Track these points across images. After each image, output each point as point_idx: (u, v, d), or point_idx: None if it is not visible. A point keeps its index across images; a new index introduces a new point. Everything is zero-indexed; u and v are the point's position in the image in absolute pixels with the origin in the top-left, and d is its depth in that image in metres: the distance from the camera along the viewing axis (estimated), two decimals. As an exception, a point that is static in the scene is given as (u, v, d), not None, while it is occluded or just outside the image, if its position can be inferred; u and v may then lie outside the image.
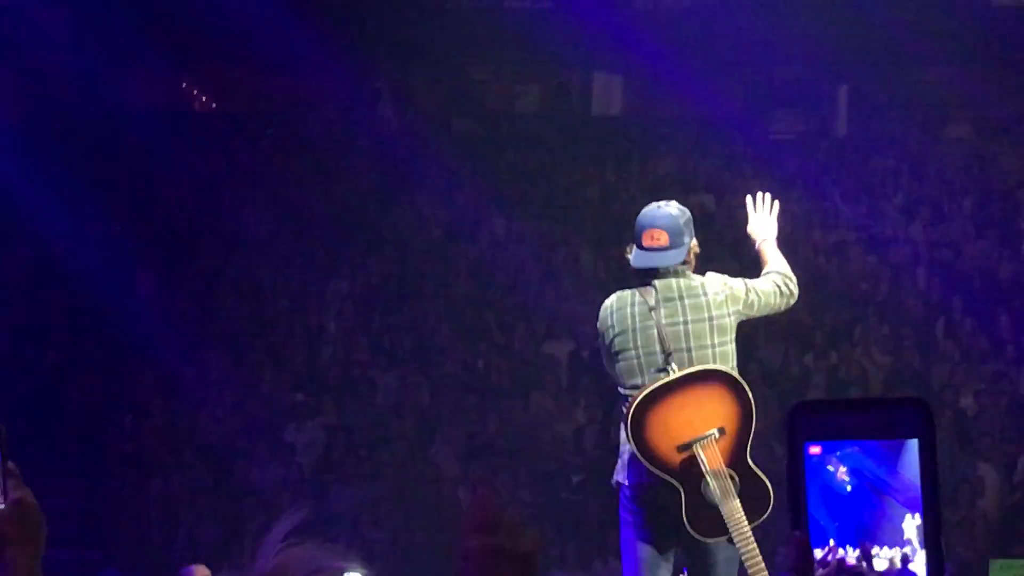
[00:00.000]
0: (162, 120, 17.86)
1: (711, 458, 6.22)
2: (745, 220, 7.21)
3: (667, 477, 6.30)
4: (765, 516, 6.12)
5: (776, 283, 6.72)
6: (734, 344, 6.64)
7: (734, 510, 6.10)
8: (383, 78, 18.45)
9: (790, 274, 6.79)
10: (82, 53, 17.37)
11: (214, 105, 19.25)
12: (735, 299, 6.61)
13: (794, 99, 17.90)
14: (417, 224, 16.55)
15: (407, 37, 17.53)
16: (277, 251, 16.41)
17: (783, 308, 6.81)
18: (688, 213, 6.71)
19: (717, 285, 6.61)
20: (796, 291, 6.79)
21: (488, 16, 17.76)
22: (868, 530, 1.81)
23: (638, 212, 6.71)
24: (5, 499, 2.66)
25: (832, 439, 1.85)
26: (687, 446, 6.28)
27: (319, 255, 16.20)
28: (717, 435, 6.26)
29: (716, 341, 6.57)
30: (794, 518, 1.86)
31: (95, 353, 15.18)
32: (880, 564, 1.81)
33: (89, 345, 15.27)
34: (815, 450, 1.85)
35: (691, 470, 6.22)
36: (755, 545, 6.07)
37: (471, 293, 15.59)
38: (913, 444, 1.81)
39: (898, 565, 1.83)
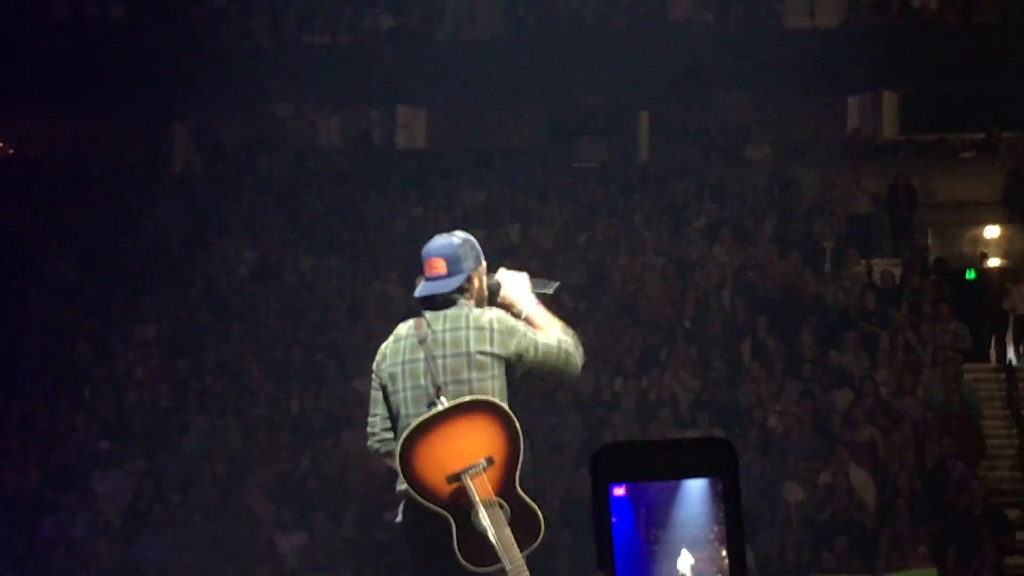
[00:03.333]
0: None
1: (480, 487, 6.12)
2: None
3: (438, 509, 6.30)
4: (537, 543, 5.99)
5: (559, 339, 6.52)
6: (500, 380, 6.42)
7: (504, 538, 6.01)
8: (184, 119, 18.30)
9: (570, 340, 6.56)
10: None
11: (11, 151, 18.90)
12: (503, 341, 6.41)
13: (597, 127, 18.08)
14: (223, 265, 16.41)
15: (207, 76, 17.39)
16: (81, 296, 16.16)
17: (563, 370, 6.46)
18: (472, 241, 6.51)
19: (485, 320, 6.44)
20: (576, 359, 6.49)
21: (288, 53, 17.70)
22: (650, 567, 1.84)
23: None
24: None
25: (635, 480, 1.86)
26: (456, 477, 6.31)
27: (124, 299, 15.98)
28: (485, 464, 6.15)
29: (474, 376, 6.43)
30: (600, 558, 1.87)
31: None
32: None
33: None
34: (619, 491, 1.86)
35: (460, 500, 6.12)
36: (527, 572, 6.09)
37: (280, 333, 15.48)
38: (697, 484, 1.85)
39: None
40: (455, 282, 6.37)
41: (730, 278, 15.77)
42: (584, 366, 6.50)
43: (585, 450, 13.55)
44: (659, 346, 14.94)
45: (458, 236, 6.47)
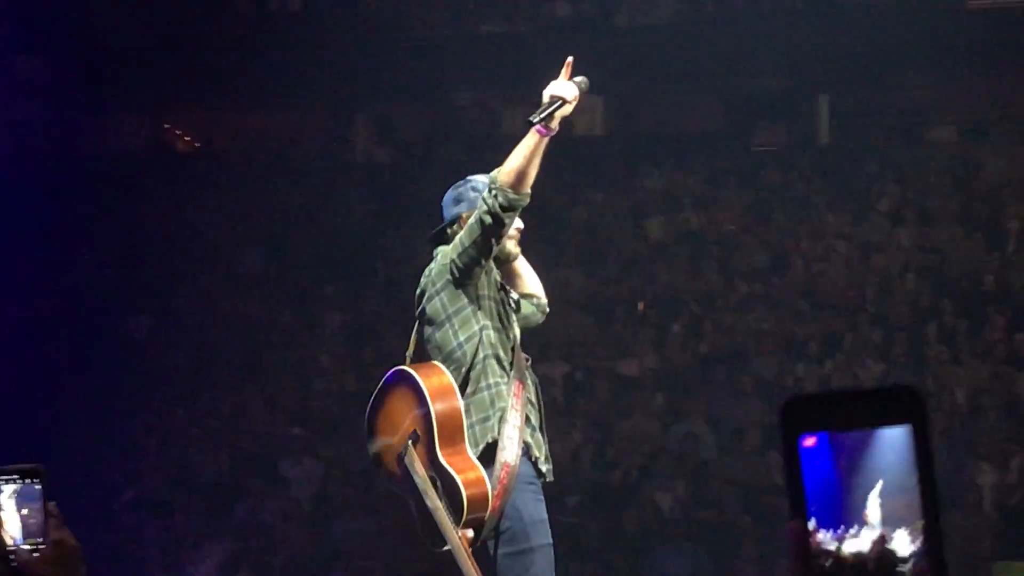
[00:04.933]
0: (146, 161, 17.95)
1: (416, 465, 6.05)
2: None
3: (403, 494, 6.19)
4: (466, 514, 5.87)
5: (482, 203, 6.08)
6: (443, 329, 6.17)
7: (437, 510, 5.93)
8: (365, 110, 18.48)
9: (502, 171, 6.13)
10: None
11: (196, 145, 19.26)
12: (436, 278, 6.22)
13: (775, 110, 17.91)
14: (405, 254, 16.54)
15: (387, 67, 17.55)
16: (268, 287, 16.42)
17: (491, 218, 6.00)
18: (474, 182, 6.34)
19: (434, 264, 6.25)
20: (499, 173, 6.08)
21: (467, 42, 17.80)
22: (844, 515, 1.84)
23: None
24: (45, 540, 2.64)
25: (826, 430, 1.87)
26: (400, 457, 6.15)
27: (310, 289, 16.21)
28: (413, 440, 6.07)
29: (425, 332, 6.26)
30: (792, 509, 1.88)
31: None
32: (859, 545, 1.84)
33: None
34: (810, 442, 1.86)
35: (410, 480, 6.08)
36: (459, 544, 5.90)
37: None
38: (890, 432, 1.84)
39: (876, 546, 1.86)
40: (438, 231, 6.30)
41: (914, 261, 15.56)
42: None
43: (767, 436, 13.48)
44: (842, 331, 14.79)
45: (463, 181, 6.40)
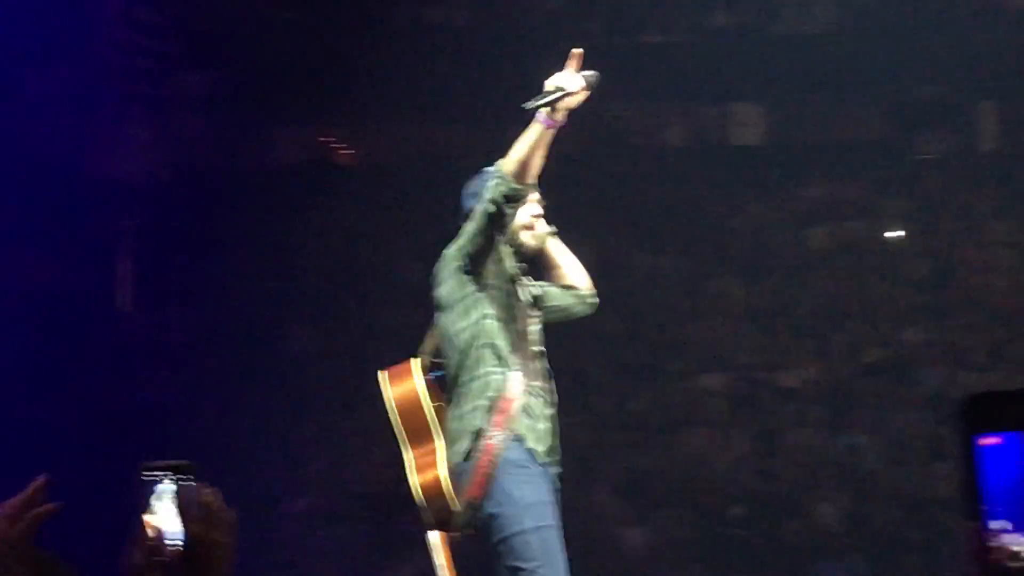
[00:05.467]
0: (308, 174, 18.13)
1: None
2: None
3: None
4: (423, 501, 5.98)
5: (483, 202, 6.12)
6: (446, 317, 6.23)
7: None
8: (520, 122, 18.51)
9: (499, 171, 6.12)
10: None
11: (361, 158, 19.42)
12: (440, 270, 6.33)
13: (937, 118, 17.67)
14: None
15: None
16: (430, 299, 16.48)
17: (487, 213, 6.05)
18: (479, 179, 6.33)
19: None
20: (493, 184, 6.03)
21: (624, 53, 17.76)
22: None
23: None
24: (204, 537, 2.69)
25: (1006, 430, 1.84)
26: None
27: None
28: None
29: (435, 317, 6.36)
30: (969, 509, 1.85)
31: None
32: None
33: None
34: (988, 441, 1.83)
35: None
36: (436, 543, 6.02)
37: (621, 331, 15.56)
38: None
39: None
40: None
41: (1084, 268, 15.28)
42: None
43: (932, 447, 13.30)
44: (1009, 340, 14.55)
45: (480, 172, 6.46)
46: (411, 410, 6.25)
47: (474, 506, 5.91)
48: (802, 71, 17.15)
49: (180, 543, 2.67)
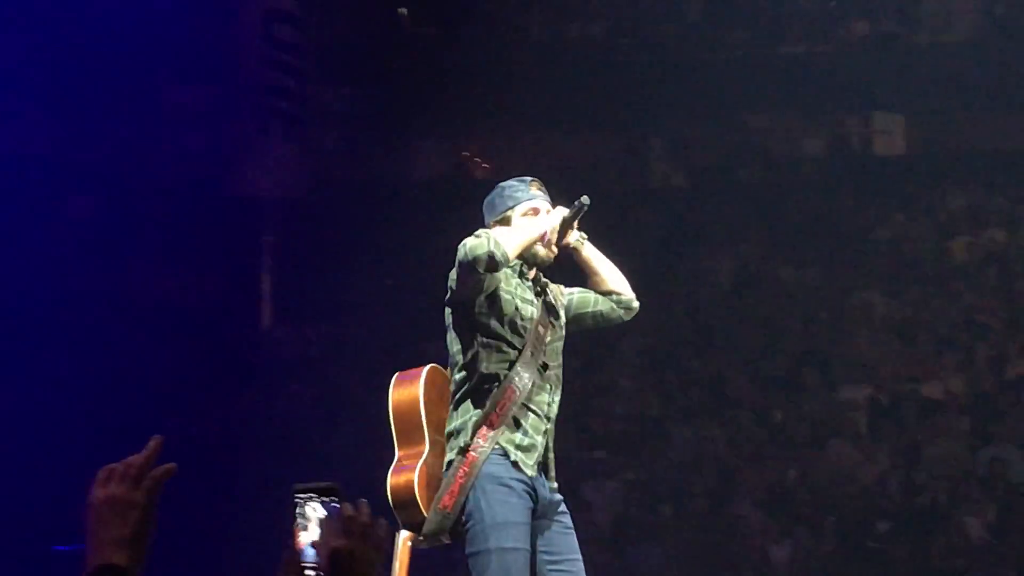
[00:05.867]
0: (446, 188, 18.21)
1: None
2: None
3: None
4: (392, 504, 5.98)
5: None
6: (454, 331, 6.21)
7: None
8: (660, 133, 18.47)
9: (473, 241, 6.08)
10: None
11: (496, 171, 19.47)
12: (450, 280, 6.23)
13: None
14: (703, 277, 16.49)
15: (682, 90, 17.52)
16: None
17: (463, 261, 6.00)
18: (500, 189, 6.39)
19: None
20: (468, 248, 5.96)
21: (763, 63, 17.67)
22: None
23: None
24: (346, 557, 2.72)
25: None
26: None
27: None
28: None
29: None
30: None
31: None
32: None
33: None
34: None
35: None
36: (399, 544, 6.02)
37: (762, 343, 15.44)
38: None
39: None
40: None
41: None
42: None
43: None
44: None
45: (497, 186, 6.49)
46: (408, 414, 6.17)
47: (443, 515, 5.91)
48: (944, 80, 16.95)
49: (325, 565, 2.69)
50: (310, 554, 2.70)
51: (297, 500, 2.73)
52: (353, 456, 14.87)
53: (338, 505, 2.74)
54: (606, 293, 6.56)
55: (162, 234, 16.52)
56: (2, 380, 14.73)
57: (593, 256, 6.53)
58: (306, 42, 17.82)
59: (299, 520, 2.73)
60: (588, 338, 16.03)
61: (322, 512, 2.74)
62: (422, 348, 16.25)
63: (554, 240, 6.26)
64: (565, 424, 14.77)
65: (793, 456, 14.03)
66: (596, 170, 18.37)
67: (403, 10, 18.22)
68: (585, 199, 6.34)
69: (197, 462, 13.54)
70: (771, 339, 15.43)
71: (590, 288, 6.55)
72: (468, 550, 5.90)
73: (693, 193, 17.57)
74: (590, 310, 6.53)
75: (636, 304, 6.60)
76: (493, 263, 5.87)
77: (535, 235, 6.16)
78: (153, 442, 2.72)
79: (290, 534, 2.72)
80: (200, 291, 16.21)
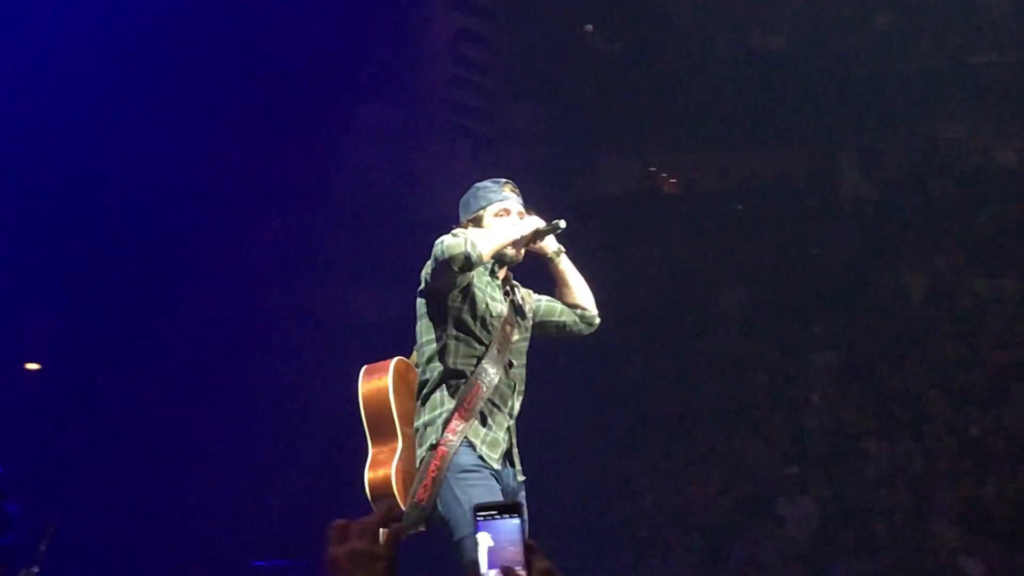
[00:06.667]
0: (632, 204, 18.24)
1: None
2: None
3: None
4: (370, 498, 6.15)
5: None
6: (423, 320, 6.36)
7: None
8: (849, 146, 18.30)
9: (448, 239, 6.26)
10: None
11: (681, 187, 19.45)
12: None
13: None
14: (895, 290, 16.27)
15: (871, 101, 17.34)
16: (753, 325, 16.40)
17: (438, 258, 6.19)
18: (474, 189, 6.58)
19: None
20: (443, 247, 6.14)
21: (954, 73, 17.41)
22: None
23: None
24: (530, 571, 2.77)
25: None
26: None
27: (796, 327, 16.11)
28: None
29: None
30: None
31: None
32: None
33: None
34: None
35: None
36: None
37: (957, 356, 15.18)
38: None
39: None
40: None
41: None
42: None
43: None
44: None
45: (472, 186, 6.65)
46: (378, 407, 6.37)
47: (420, 507, 6.10)
48: None
49: None
50: (489, 571, 2.75)
51: (478, 517, 2.79)
52: (548, 469, 14.92)
53: (519, 522, 2.77)
54: (572, 306, 6.82)
55: (348, 252, 16.74)
56: (222, 401, 15.11)
57: (567, 269, 6.77)
58: (494, 61, 17.96)
59: (482, 538, 2.78)
60: (777, 352, 15.93)
61: (504, 530, 2.78)
62: (614, 362, 16.30)
63: (522, 244, 6.51)
64: (754, 439, 14.69)
65: (990, 471, 13.77)
66: (785, 184, 18.26)
67: (589, 27, 18.28)
68: (562, 223, 6.54)
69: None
70: (966, 352, 15.16)
71: (558, 299, 6.80)
72: (452, 539, 6.10)
73: (884, 206, 17.36)
74: (554, 319, 6.78)
75: (598, 321, 6.86)
76: (468, 263, 6.11)
77: (508, 240, 6.41)
78: (389, 504, 2.88)
79: (472, 550, 2.77)
80: (392, 306, 16.38)
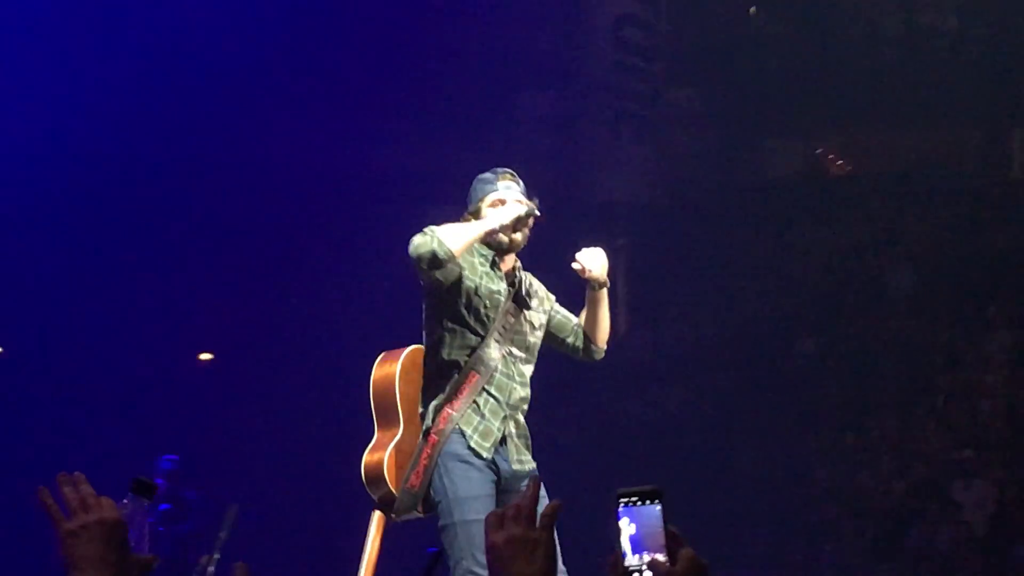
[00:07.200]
0: (800, 186, 18.09)
1: None
2: None
3: None
4: (364, 481, 6.34)
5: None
6: (426, 312, 6.36)
7: None
8: (1021, 124, 18.00)
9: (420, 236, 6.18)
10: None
11: (852, 168, 19.25)
12: None
13: None
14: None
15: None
16: (924, 307, 16.19)
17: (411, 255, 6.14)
18: (472, 184, 6.48)
19: None
20: (415, 243, 6.07)
21: None
22: None
23: None
24: (671, 558, 2.75)
25: None
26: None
27: (970, 309, 15.86)
28: None
29: None
30: None
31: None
32: None
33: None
34: None
35: None
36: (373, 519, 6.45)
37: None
38: None
39: None
40: None
41: None
42: None
43: None
44: None
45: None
46: (384, 393, 6.50)
47: (412, 493, 6.27)
48: None
49: (650, 569, 2.74)
50: (632, 556, 2.74)
51: (620, 503, 2.78)
52: (711, 450, 14.89)
53: (660, 509, 2.77)
54: (586, 334, 6.73)
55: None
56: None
57: (601, 303, 6.62)
58: (656, 45, 17.89)
59: (621, 522, 2.78)
60: (950, 333, 15.69)
61: (646, 516, 2.78)
62: (788, 345, 16.19)
63: (508, 231, 6.39)
64: (927, 422, 14.49)
65: None
66: (956, 163, 17.98)
67: (754, 9, 18.14)
68: (536, 210, 6.41)
69: (563, 459, 13.75)
70: None
71: (580, 320, 6.75)
72: (439, 523, 6.23)
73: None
74: (561, 336, 6.75)
75: (599, 358, 6.80)
76: (436, 260, 6.12)
77: (482, 231, 6.31)
78: (534, 482, 2.90)
79: (615, 536, 2.75)
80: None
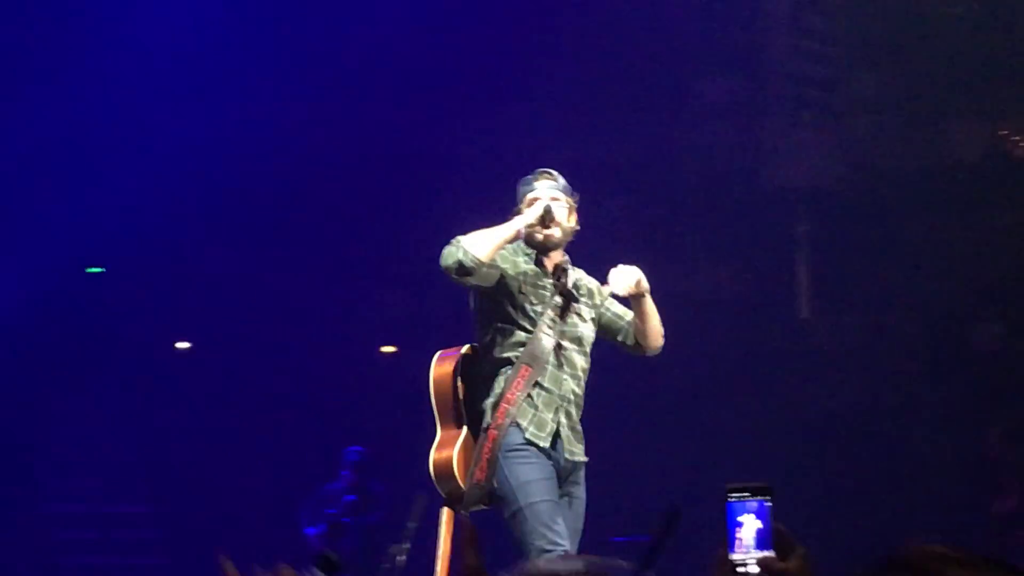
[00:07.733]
0: (984, 169, 17.78)
1: None
2: None
3: None
4: (434, 479, 6.76)
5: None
6: (476, 311, 6.77)
7: None
8: None
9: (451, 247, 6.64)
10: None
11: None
12: None
13: None
14: None
15: None
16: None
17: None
18: (521, 182, 6.81)
19: None
20: (444, 254, 6.64)
21: None
22: None
23: None
24: (779, 555, 2.77)
25: None
26: None
27: None
28: None
29: None
30: None
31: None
32: None
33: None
34: None
35: None
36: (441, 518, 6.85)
37: None
38: None
39: None
40: None
41: None
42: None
43: None
44: None
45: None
46: (443, 393, 6.82)
47: (479, 487, 6.62)
48: None
49: (760, 566, 2.75)
50: (739, 552, 2.75)
51: (730, 498, 2.78)
52: (891, 439, 14.72)
53: (770, 505, 2.77)
54: (636, 337, 7.14)
55: (698, 229, 16.73)
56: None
57: (640, 311, 7.00)
58: (835, 29, 17.70)
59: (731, 518, 2.78)
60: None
61: (754, 511, 2.77)
62: (969, 331, 15.94)
63: (538, 228, 6.86)
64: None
65: None
66: None
67: None
68: (541, 208, 6.85)
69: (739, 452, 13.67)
70: None
71: (633, 322, 7.08)
72: (505, 513, 6.63)
73: None
74: (611, 332, 7.17)
75: (650, 354, 7.20)
76: (464, 269, 6.54)
77: (508, 234, 6.71)
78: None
79: (725, 533, 2.77)
80: (736, 283, 16.32)
